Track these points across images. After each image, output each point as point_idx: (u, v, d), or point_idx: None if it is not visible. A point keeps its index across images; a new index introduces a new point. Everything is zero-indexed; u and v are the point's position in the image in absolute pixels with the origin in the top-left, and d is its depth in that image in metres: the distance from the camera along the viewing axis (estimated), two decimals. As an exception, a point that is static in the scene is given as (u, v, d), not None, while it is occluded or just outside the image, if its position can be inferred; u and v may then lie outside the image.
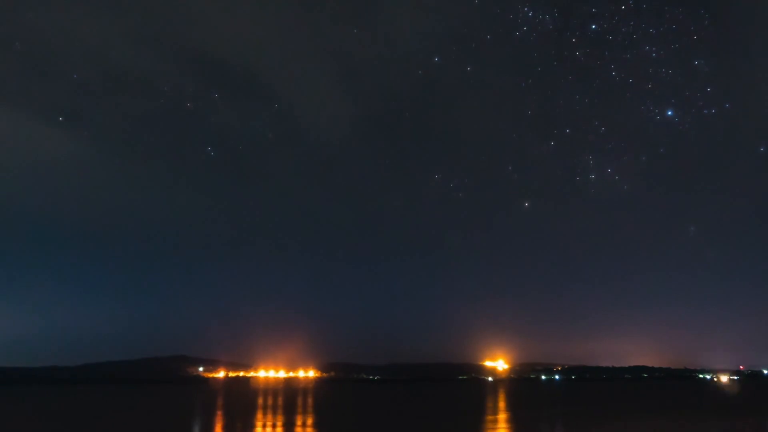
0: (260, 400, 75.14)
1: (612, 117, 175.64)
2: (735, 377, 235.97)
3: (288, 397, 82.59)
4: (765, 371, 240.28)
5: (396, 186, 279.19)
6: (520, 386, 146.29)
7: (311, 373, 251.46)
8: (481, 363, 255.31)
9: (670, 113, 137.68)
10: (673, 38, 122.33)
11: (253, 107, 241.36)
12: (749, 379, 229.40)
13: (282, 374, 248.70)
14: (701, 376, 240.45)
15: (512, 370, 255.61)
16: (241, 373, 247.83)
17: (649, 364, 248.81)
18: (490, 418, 47.11)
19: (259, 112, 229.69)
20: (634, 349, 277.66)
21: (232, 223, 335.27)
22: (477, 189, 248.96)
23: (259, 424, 42.04)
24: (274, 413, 51.56)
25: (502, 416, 49.17)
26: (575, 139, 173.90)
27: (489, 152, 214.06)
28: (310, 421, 43.49)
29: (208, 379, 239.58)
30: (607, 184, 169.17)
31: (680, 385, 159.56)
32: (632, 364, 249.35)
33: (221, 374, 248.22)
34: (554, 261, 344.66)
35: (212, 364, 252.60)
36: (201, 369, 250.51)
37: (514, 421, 44.62)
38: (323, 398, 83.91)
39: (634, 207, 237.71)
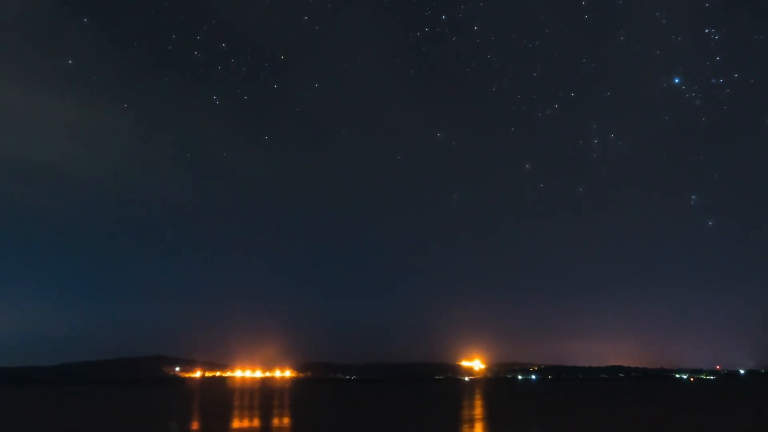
0: (236, 401, 75.09)
1: (618, 82, 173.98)
2: (711, 377, 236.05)
3: (264, 397, 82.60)
4: (742, 371, 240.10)
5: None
6: (496, 387, 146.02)
7: (288, 373, 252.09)
8: (457, 363, 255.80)
9: (677, 81, 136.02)
10: (684, 6, 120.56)
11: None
12: (726, 378, 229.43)
13: (258, 374, 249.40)
14: (678, 375, 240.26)
15: (489, 369, 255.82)
16: (218, 373, 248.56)
17: (626, 364, 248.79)
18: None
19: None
20: (611, 348, 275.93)
21: (208, 223, 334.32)
22: (479, 149, 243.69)
23: (234, 423, 42.12)
24: (250, 413, 51.53)
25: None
26: (580, 103, 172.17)
27: (492, 112, 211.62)
28: (285, 422, 43.39)
29: (184, 379, 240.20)
30: (610, 150, 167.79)
31: (649, 385, 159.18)
32: (609, 364, 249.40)
33: (198, 374, 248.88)
34: (531, 261, 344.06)
35: (189, 364, 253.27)
36: (178, 369, 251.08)
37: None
38: (298, 398, 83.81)
39: (636, 175, 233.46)
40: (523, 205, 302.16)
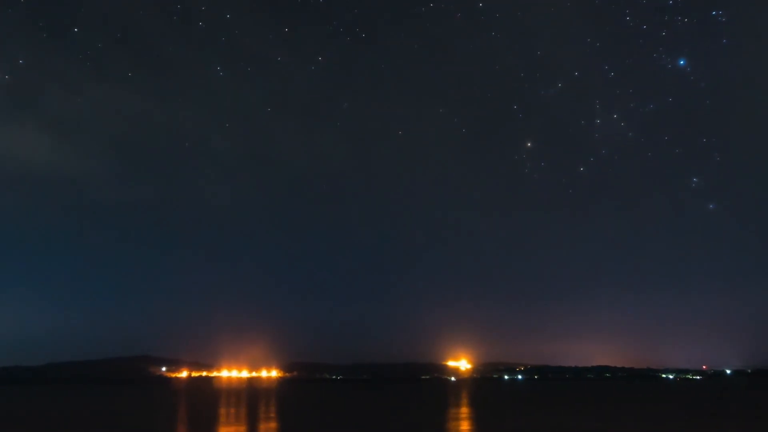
0: (222, 401, 74.97)
1: (622, 63, 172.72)
2: (698, 377, 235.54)
3: (250, 398, 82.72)
4: (728, 371, 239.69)
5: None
6: (481, 387, 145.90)
7: (274, 373, 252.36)
8: (444, 363, 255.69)
9: (682, 63, 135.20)
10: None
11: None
12: (712, 379, 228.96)
13: (245, 374, 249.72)
14: (664, 375, 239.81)
15: (475, 369, 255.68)
16: (204, 373, 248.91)
17: (612, 364, 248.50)
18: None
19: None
20: (598, 348, 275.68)
21: (194, 224, 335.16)
22: (481, 127, 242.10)
23: (221, 423, 42.27)
24: (237, 413, 51.55)
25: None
26: (583, 83, 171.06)
27: (495, 90, 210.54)
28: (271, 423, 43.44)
29: (171, 379, 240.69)
30: (612, 130, 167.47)
31: (631, 385, 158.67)
32: (595, 363, 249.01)
33: (184, 374, 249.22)
34: (518, 261, 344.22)
35: (175, 364, 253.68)
36: (164, 369, 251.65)
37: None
38: (284, 398, 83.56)
39: (636, 156, 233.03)
40: (510, 203, 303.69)
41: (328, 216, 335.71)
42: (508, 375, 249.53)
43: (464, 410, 53.80)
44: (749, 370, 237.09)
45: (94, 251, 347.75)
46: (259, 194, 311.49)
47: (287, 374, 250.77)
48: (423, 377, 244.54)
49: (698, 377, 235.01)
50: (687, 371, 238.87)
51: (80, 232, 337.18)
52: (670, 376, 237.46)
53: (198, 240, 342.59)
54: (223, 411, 54.91)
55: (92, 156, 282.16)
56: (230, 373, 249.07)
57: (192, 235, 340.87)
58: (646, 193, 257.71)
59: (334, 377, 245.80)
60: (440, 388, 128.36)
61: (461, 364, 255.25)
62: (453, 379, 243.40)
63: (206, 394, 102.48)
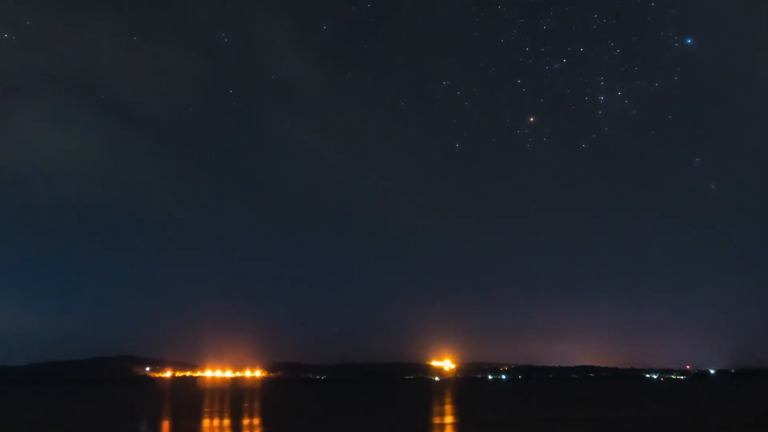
0: (206, 401, 75.22)
1: (629, 40, 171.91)
2: (682, 377, 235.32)
3: (234, 398, 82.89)
4: (712, 371, 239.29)
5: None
6: (464, 387, 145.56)
7: (258, 373, 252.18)
8: (428, 363, 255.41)
9: (689, 41, 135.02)
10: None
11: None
12: (696, 378, 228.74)
13: (229, 374, 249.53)
14: (648, 375, 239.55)
15: (459, 369, 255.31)
16: (188, 373, 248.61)
17: (596, 364, 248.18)
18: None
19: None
20: (582, 348, 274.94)
21: (177, 224, 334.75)
22: (484, 98, 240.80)
23: (204, 423, 42.32)
24: (221, 413, 51.69)
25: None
26: (588, 59, 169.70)
27: (499, 63, 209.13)
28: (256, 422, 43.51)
29: (154, 379, 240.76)
30: (616, 107, 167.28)
31: (614, 384, 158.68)
32: (579, 363, 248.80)
33: (168, 374, 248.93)
34: (502, 262, 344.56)
35: (159, 364, 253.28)
36: (148, 369, 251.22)
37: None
38: (267, 398, 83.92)
39: (639, 134, 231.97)
40: (496, 204, 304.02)
41: (311, 215, 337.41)
42: (492, 375, 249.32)
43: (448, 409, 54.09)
44: (733, 370, 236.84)
45: (78, 251, 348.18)
46: (240, 196, 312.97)
47: (271, 374, 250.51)
48: (407, 377, 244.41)
49: (682, 377, 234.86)
50: (671, 371, 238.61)
51: (62, 232, 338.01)
52: (654, 376, 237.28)
53: (181, 241, 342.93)
54: (206, 412, 54.58)
55: (79, 159, 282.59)
56: (214, 373, 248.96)
57: (175, 236, 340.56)
58: (646, 174, 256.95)
59: (318, 377, 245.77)
60: (423, 389, 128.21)
61: (445, 364, 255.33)
62: (437, 379, 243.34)
63: (189, 394, 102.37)
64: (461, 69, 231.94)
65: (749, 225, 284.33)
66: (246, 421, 43.29)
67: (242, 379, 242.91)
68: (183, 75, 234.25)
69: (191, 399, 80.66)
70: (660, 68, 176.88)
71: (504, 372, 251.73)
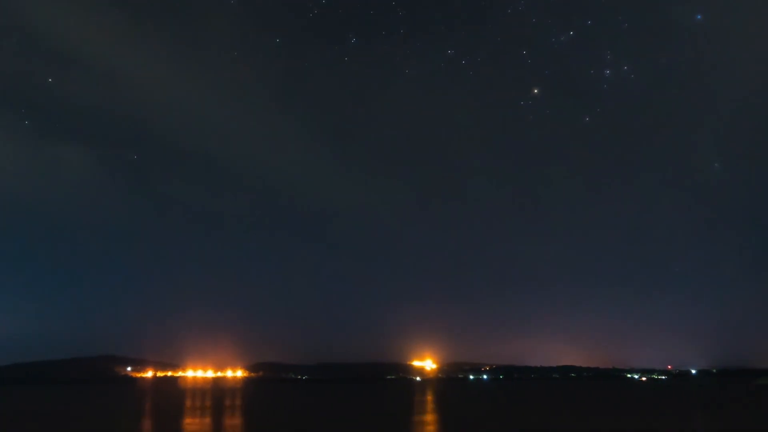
0: (188, 401, 75.25)
1: (637, 15, 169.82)
2: (663, 377, 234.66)
3: (215, 398, 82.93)
4: (693, 371, 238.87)
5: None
6: (446, 386, 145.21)
7: (239, 373, 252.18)
8: (409, 363, 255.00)
9: (698, 17, 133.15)
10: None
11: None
12: (677, 378, 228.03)
13: (210, 374, 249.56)
14: (629, 375, 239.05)
15: (440, 369, 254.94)
16: (170, 373, 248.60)
17: (578, 364, 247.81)
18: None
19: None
20: (563, 348, 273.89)
21: (159, 224, 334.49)
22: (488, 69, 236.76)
23: (186, 424, 42.31)
24: (201, 414, 51.73)
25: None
26: (596, 32, 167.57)
27: (506, 34, 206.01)
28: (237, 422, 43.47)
29: (136, 379, 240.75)
30: (621, 81, 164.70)
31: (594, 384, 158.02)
32: (561, 363, 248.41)
33: (149, 374, 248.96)
34: (483, 261, 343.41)
35: (140, 364, 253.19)
36: (129, 369, 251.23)
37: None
38: (248, 399, 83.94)
39: (644, 109, 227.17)
40: (479, 203, 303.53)
41: (292, 216, 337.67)
42: (473, 375, 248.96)
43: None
44: (714, 370, 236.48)
45: (58, 252, 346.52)
46: (220, 197, 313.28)
47: (252, 374, 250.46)
48: (388, 377, 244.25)
49: (663, 377, 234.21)
50: (652, 371, 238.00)
51: (43, 232, 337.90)
52: (636, 376, 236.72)
53: (163, 241, 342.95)
54: (188, 411, 54.78)
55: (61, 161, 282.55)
56: (195, 373, 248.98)
57: (156, 236, 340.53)
58: (647, 155, 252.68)
59: (299, 377, 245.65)
60: (405, 388, 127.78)
61: (426, 364, 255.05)
62: (418, 379, 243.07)
63: (172, 393, 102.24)
64: (467, 38, 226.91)
65: (733, 227, 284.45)
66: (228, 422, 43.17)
67: (224, 379, 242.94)
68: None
69: (172, 399, 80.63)
70: (667, 44, 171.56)
71: (485, 372, 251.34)
